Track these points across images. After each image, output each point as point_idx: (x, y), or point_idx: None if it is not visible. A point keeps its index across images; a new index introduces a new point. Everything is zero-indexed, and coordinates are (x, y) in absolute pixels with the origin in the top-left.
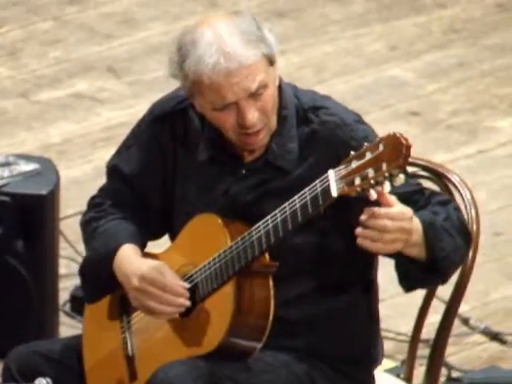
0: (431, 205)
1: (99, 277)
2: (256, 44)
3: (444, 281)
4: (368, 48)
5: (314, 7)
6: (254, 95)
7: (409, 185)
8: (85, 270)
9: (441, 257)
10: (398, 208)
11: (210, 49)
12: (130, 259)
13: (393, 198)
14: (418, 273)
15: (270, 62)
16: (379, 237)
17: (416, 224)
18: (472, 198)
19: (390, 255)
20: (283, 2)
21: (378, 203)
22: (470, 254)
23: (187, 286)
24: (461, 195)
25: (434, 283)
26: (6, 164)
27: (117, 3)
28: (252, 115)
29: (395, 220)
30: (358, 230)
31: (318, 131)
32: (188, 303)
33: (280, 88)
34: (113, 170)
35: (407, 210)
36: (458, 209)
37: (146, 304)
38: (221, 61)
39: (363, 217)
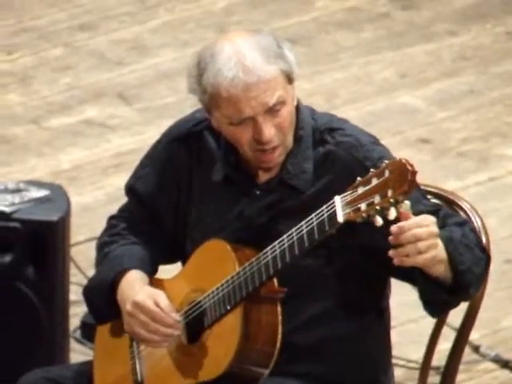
0: (447, 225)
1: (99, 301)
2: (275, 60)
3: (467, 298)
4: (379, 75)
5: (325, 34)
6: (272, 111)
7: (424, 205)
8: (86, 293)
9: (462, 270)
10: (419, 217)
11: (229, 62)
12: (131, 285)
13: (410, 213)
14: (442, 295)
15: (289, 79)
16: (414, 249)
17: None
18: (483, 225)
19: (414, 281)
20: (295, 29)
21: (386, 227)
22: None
23: (178, 318)
24: (472, 222)
25: (458, 303)
26: (17, 190)
27: (127, 30)
28: (269, 131)
29: (423, 226)
30: (392, 252)
31: (333, 152)
32: (177, 333)
33: (298, 109)
34: (129, 189)
35: (428, 216)
36: (473, 230)
37: (135, 330)
38: (239, 74)
39: (392, 237)
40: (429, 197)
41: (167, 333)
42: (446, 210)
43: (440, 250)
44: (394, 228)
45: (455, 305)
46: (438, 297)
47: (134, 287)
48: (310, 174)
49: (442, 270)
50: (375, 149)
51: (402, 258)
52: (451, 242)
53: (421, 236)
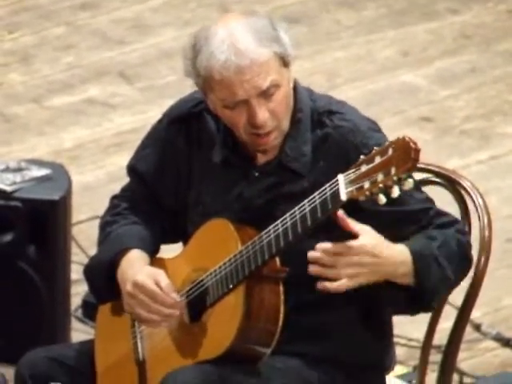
0: (433, 226)
1: (100, 280)
2: (269, 43)
3: (429, 310)
4: (380, 54)
5: (326, 13)
6: (266, 95)
7: (416, 201)
8: (87, 273)
9: (427, 287)
10: (360, 241)
11: (222, 45)
12: (131, 264)
13: (360, 227)
14: (402, 301)
15: (284, 62)
16: (330, 272)
17: (405, 256)
18: (484, 203)
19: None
20: (295, 8)
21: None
22: (482, 259)
23: (178, 298)
24: (473, 201)
25: (416, 312)
26: (18, 169)
27: (129, 9)
28: (263, 114)
29: (348, 255)
30: (311, 256)
31: (330, 135)
32: (177, 313)
33: (295, 90)
34: (131, 169)
35: (369, 244)
36: (461, 231)
37: (135, 310)
38: (232, 57)
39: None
40: (427, 184)
41: (167, 313)
42: (436, 208)
43: (402, 267)
44: (319, 245)
45: (413, 313)
46: (398, 301)
47: (134, 266)
48: (309, 157)
49: (404, 283)
50: (373, 135)
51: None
52: (421, 258)
53: (337, 265)
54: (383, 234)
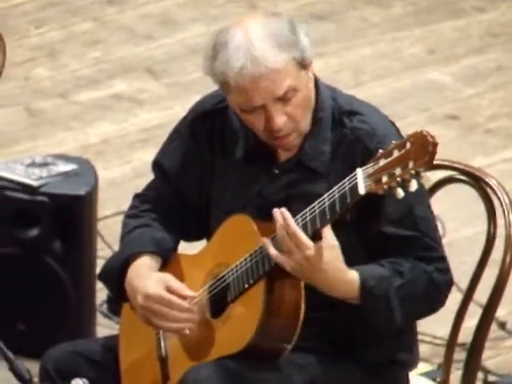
0: (413, 257)
1: (112, 286)
2: (286, 48)
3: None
4: (406, 51)
5: (353, 10)
6: (283, 99)
7: (413, 222)
8: (101, 279)
9: (372, 318)
10: (317, 246)
11: (238, 52)
12: (137, 272)
13: (330, 237)
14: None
15: (302, 65)
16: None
17: (350, 288)
18: (510, 201)
19: None
20: (322, 5)
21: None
22: (508, 258)
23: (193, 294)
24: (498, 199)
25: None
26: (45, 164)
27: (156, 4)
28: (280, 119)
29: (294, 244)
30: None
31: (348, 136)
32: (195, 317)
33: (317, 89)
34: (155, 165)
35: (321, 253)
36: (442, 270)
37: (152, 322)
38: (247, 65)
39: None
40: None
41: (186, 317)
42: (427, 240)
43: (344, 286)
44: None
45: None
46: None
47: (141, 275)
48: (328, 156)
49: (352, 302)
50: (389, 141)
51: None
52: (369, 296)
53: (290, 250)
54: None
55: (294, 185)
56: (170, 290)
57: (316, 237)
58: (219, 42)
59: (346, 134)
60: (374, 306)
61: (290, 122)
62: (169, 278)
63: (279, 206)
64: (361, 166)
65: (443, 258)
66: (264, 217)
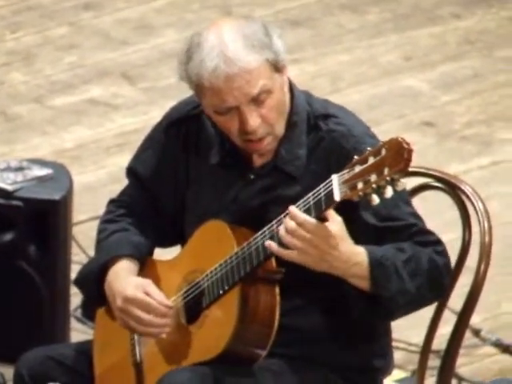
0: (410, 242)
1: (90, 291)
2: (260, 49)
3: (391, 319)
4: (383, 58)
5: (329, 16)
6: (257, 101)
7: (402, 216)
8: (77, 283)
9: (384, 296)
10: (325, 225)
11: (212, 53)
12: (117, 276)
13: (333, 215)
14: (364, 305)
15: (276, 68)
16: (285, 237)
17: (361, 259)
18: (485, 208)
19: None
20: (298, 12)
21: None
22: (482, 265)
23: (171, 304)
24: (474, 206)
25: (380, 317)
26: (20, 169)
27: (132, 9)
28: (254, 121)
29: (306, 230)
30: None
31: (324, 139)
32: (169, 322)
33: (292, 94)
34: (129, 172)
35: (330, 231)
36: (439, 253)
37: (129, 324)
38: (221, 65)
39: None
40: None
41: (161, 323)
42: (421, 225)
43: (355, 267)
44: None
45: (376, 317)
46: (358, 304)
47: (120, 279)
48: (303, 160)
49: (357, 284)
50: (366, 141)
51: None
52: (380, 266)
53: (293, 233)
54: (360, 242)
55: (269, 189)
56: (148, 295)
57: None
58: (193, 44)
59: (322, 137)
60: (384, 276)
61: (265, 125)
62: (148, 283)
63: (256, 211)
64: (337, 168)
65: (440, 241)
66: (240, 222)
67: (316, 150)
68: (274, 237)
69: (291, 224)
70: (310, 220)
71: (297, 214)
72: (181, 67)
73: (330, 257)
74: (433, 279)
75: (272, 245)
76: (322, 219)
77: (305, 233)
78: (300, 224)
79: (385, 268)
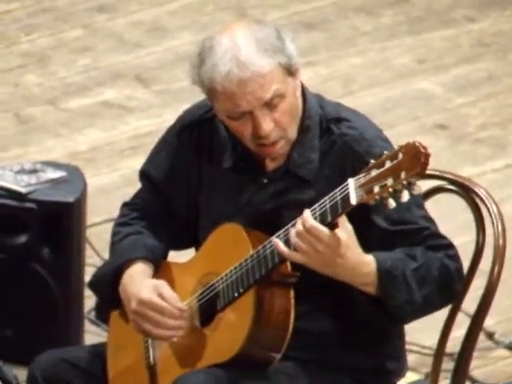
0: (423, 245)
1: (104, 294)
2: (272, 53)
3: (400, 323)
4: (396, 61)
5: (343, 19)
6: (270, 105)
7: (414, 219)
8: (91, 288)
9: (391, 305)
10: (334, 232)
11: (225, 57)
12: (131, 279)
13: (344, 222)
14: (371, 309)
15: (289, 72)
16: (293, 238)
17: (370, 269)
18: (499, 211)
19: None
20: (312, 14)
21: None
22: (496, 268)
23: (184, 307)
24: (487, 209)
25: (389, 322)
26: (34, 171)
27: (146, 12)
28: (267, 125)
29: (313, 235)
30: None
31: (336, 143)
32: (184, 325)
33: (304, 98)
34: (142, 175)
35: (338, 239)
36: (452, 257)
37: (143, 327)
38: (234, 69)
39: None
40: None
41: (176, 325)
42: (433, 229)
43: (365, 277)
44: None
45: (389, 322)
46: (367, 308)
47: (135, 281)
48: (316, 164)
49: (369, 292)
50: (378, 144)
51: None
52: (388, 275)
53: (299, 236)
54: (372, 246)
55: (283, 194)
56: (162, 297)
57: (331, 228)
58: (205, 48)
59: (335, 141)
60: (393, 286)
61: (278, 129)
62: (162, 285)
63: (269, 215)
64: (352, 172)
65: (451, 245)
66: (254, 226)
67: (329, 154)
68: (289, 240)
69: (300, 227)
70: (318, 227)
71: (307, 219)
72: (193, 71)
73: (334, 264)
74: (444, 285)
75: (278, 243)
76: (333, 225)
77: (311, 237)
78: (308, 229)
79: (393, 278)
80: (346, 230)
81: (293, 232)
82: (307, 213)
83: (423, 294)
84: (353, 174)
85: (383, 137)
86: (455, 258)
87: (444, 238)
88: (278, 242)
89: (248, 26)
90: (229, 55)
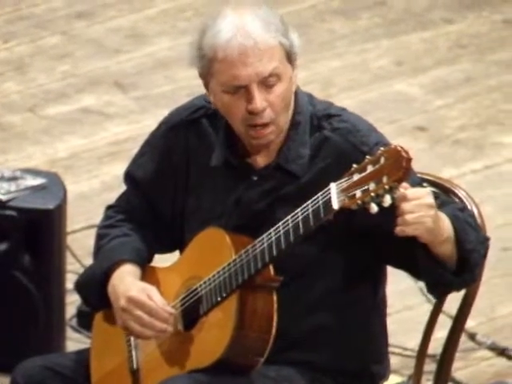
0: (447, 207)
1: (91, 295)
2: (276, 33)
3: (473, 279)
4: (375, 63)
5: (321, 22)
6: (266, 84)
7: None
8: (78, 288)
9: (469, 249)
10: (416, 189)
11: (229, 25)
12: (121, 279)
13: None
14: (447, 276)
15: (288, 57)
16: (410, 217)
17: (444, 219)
18: (479, 213)
19: (410, 268)
20: (291, 17)
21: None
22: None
23: (172, 311)
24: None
25: (464, 285)
26: (13, 178)
27: (124, 18)
28: (261, 101)
29: (420, 198)
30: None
31: (329, 137)
32: (170, 329)
33: (296, 94)
34: (127, 176)
35: (422, 189)
36: (472, 216)
37: (128, 325)
38: (237, 37)
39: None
40: (425, 185)
41: (161, 327)
42: (444, 197)
43: (445, 228)
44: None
45: (459, 287)
46: (444, 278)
47: (125, 281)
48: (307, 159)
49: (449, 249)
50: (372, 134)
51: (403, 228)
52: (457, 220)
53: (419, 206)
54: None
55: (273, 191)
56: (151, 300)
57: (350, 234)
58: (208, 21)
59: (327, 137)
60: (464, 230)
61: (270, 110)
62: (151, 289)
63: (259, 213)
64: (350, 164)
65: (466, 207)
66: (242, 225)
67: (321, 149)
68: (271, 244)
69: (406, 203)
70: (416, 191)
71: (407, 191)
72: (193, 46)
73: (436, 219)
74: (480, 233)
75: (403, 229)
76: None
77: (418, 203)
78: (412, 197)
79: (460, 222)
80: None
81: (406, 207)
82: (405, 185)
83: (482, 234)
84: (349, 167)
85: (375, 129)
86: (474, 216)
87: (456, 201)
88: (402, 228)
89: (256, 5)
90: (234, 24)
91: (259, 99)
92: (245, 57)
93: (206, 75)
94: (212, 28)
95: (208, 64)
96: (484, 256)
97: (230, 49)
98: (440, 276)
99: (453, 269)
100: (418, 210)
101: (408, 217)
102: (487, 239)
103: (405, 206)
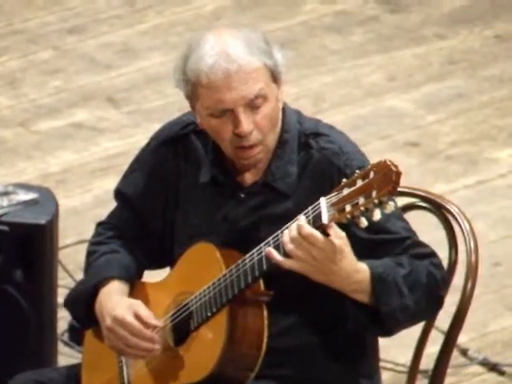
0: (405, 255)
1: (80, 312)
2: (260, 54)
3: (388, 335)
4: (367, 79)
5: (312, 37)
6: (252, 106)
7: (396, 229)
8: (67, 305)
9: (384, 311)
10: (328, 238)
11: (212, 50)
12: (108, 297)
13: (338, 231)
14: (363, 318)
15: (274, 77)
16: (287, 245)
17: (363, 276)
18: (471, 228)
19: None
20: (282, 33)
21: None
22: (469, 284)
23: (160, 324)
24: (459, 226)
25: (378, 334)
26: (5, 193)
27: (116, 33)
28: (247, 124)
29: (309, 242)
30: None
31: (315, 157)
32: (157, 347)
33: (284, 112)
34: (117, 193)
35: (334, 245)
36: (436, 266)
37: (115, 344)
38: (221, 61)
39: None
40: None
41: (147, 347)
42: (415, 238)
43: (359, 281)
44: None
45: (375, 333)
46: (359, 318)
47: (112, 299)
48: (294, 178)
49: (362, 300)
50: (357, 158)
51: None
52: (381, 281)
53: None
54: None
55: (260, 208)
56: (137, 317)
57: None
58: (191, 45)
59: (313, 155)
60: (385, 292)
61: (257, 132)
62: (138, 305)
63: (247, 230)
64: (330, 186)
65: (435, 254)
66: (231, 242)
67: (307, 168)
68: (261, 259)
69: (295, 233)
70: (314, 233)
71: (303, 225)
72: (177, 70)
73: (329, 271)
74: (431, 292)
75: (272, 252)
76: (326, 234)
77: (307, 244)
78: (304, 235)
79: (386, 283)
80: (339, 237)
81: (286, 238)
82: (302, 219)
83: (414, 300)
84: (330, 188)
85: (361, 152)
86: (440, 266)
87: (427, 246)
88: (271, 250)
89: (237, 28)
90: (216, 49)
91: (246, 122)
92: (229, 81)
93: (191, 98)
94: (195, 53)
95: (192, 88)
96: (409, 321)
97: (214, 74)
98: (356, 315)
99: (367, 314)
100: (303, 250)
101: (294, 251)
102: (415, 307)
103: (295, 238)
